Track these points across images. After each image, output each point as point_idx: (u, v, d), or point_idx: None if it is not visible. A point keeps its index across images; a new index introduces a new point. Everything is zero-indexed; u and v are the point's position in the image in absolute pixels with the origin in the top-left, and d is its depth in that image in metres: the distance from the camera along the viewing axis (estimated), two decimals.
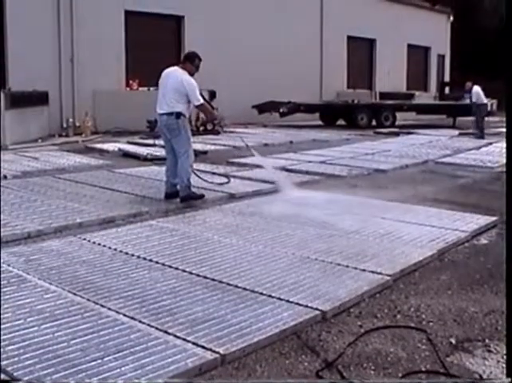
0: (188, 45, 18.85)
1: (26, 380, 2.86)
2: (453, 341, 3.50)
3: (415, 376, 3.09)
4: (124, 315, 3.62)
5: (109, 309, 3.71)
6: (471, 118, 17.39)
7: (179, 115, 6.99)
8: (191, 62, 7.14)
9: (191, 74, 7.09)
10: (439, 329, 3.66)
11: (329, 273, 4.53)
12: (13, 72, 14.85)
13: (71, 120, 15.71)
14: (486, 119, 17.37)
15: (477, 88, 16.62)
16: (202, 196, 7.15)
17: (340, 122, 21.03)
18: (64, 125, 15.72)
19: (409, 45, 28.66)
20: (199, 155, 9.89)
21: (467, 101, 17.56)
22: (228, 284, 4.23)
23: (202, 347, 3.22)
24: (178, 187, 7.16)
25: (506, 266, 3.70)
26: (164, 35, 18.69)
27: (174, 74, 7.08)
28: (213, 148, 12.86)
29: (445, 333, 3.61)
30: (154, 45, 17.86)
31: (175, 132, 7.06)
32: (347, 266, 4.68)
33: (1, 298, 3.79)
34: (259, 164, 9.01)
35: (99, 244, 5.19)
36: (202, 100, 7.08)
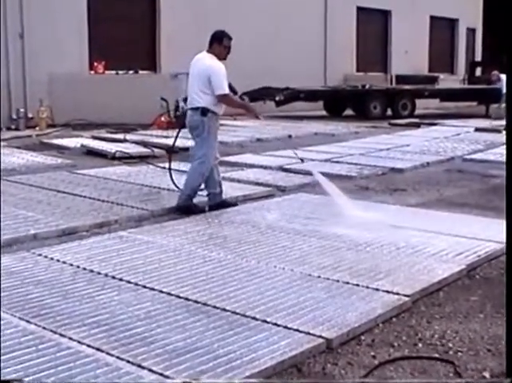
0: (164, 20, 18.92)
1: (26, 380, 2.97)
2: (487, 374, 3.52)
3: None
4: (89, 346, 3.62)
5: (70, 339, 3.71)
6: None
7: (205, 111, 6.98)
8: (219, 43, 7.07)
9: (221, 58, 7.06)
10: (470, 360, 3.68)
11: (335, 293, 4.54)
12: None
13: (22, 110, 15.68)
14: None
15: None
16: (203, 210, 7.11)
17: (349, 112, 21.08)
18: (14, 116, 15.69)
19: (432, 18, 28.75)
20: (180, 152, 9.91)
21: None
22: (214, 307, 4.24)
23: None
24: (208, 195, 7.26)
25: (507, 267, 3.85)
26: (136, 6, 18.70)
27: (201, 61, 7.08)
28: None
29: (477, 365, 3.62)
30: (123, 18, 17.88)
31: (197, 130, 7.08)
32: (357, 285, 4.70)
33: None
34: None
35: (58, 260, 5.19)
36: (227, 90, 6.99)
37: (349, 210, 6.93)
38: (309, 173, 9.36)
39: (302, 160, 8.38)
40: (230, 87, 7.12)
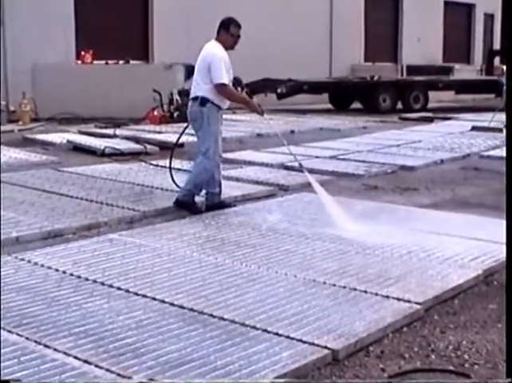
0: (157, 5, 18.92)
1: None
2: None
3: None
4: (75, 358, 3.61)
5: (55, 350, 3.71)
6: None
7: (204, 101, 7.01)
8: (226, 31, 7.10)
9: (228, 47, 7.09)
10: (487, 373, 3.68)
11: (342, 300, 4.55)
12: None
13: (3, 103, 15.67)
14: None
15: None
16: (200, 211, 7.12)
17: (356, 105, 21.08)
18: None
19: (446, 3, 28.77)
20: (174, 148, 9.91)
21: None
22: (211, 316, 4.24)
23: None
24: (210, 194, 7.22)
25: (507, 268, 3.87)
26: None
27: (205, 50, 7.14)
28: (191, 139, 12.85)
29: (494, 379, 3.62)
30: (113, 4, 17.89)
31: (197, 122, 7.13)
32: (365, 292, 4.70)
33: None
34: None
35: (42, 265, 5.18)
36: (224, 80, 6.94)
37: (340, 220, 6.58)
38: (312, 171, 9.38)
39: (301, 165, 7.79)
40: (236, 80, 7.11)
